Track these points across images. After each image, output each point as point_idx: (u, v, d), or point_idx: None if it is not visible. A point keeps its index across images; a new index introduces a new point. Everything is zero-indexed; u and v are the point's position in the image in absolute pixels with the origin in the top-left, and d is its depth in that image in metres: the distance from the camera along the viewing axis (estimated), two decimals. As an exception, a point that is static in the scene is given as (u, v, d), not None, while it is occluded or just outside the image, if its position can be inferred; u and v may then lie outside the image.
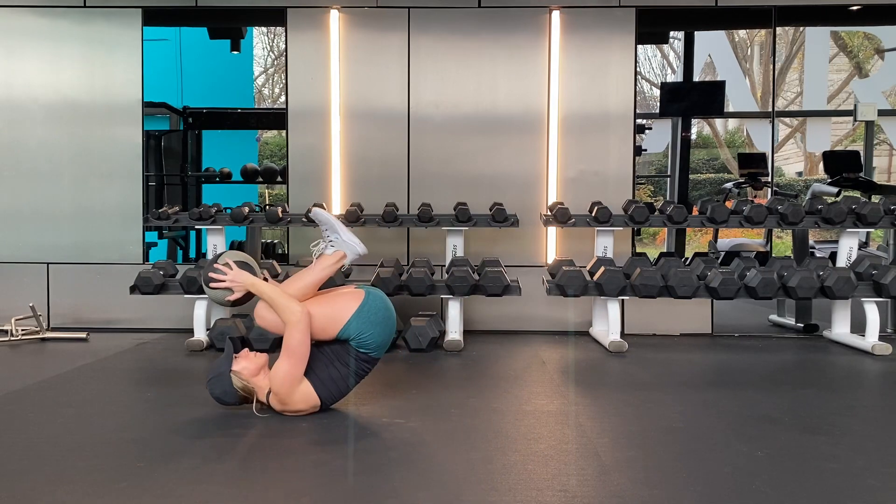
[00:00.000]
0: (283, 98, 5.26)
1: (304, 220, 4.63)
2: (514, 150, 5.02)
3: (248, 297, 2.80)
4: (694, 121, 10.57)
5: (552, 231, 5.00)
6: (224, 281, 2.76)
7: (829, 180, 6.30)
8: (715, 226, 4.64)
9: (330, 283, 3.04)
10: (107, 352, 4.17)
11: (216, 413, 2.87)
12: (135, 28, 5.03)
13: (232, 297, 2.78)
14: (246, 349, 2.80)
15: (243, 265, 2.83)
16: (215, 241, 4.73)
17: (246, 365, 2.71)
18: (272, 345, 4.10)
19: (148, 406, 3.04)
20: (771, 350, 4.33)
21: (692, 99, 6.99)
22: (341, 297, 2.79)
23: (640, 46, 5.18)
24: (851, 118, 10.36)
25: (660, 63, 14.25)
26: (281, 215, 4.70)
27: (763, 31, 10.85)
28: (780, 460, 2.29)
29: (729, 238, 7.46)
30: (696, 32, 7.15)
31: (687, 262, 5.01)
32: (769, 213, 4.56)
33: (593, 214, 4.59)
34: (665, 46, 12.77)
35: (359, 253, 2.93)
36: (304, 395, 2.68)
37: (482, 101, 5.03)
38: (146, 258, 5.14)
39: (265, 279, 2.83)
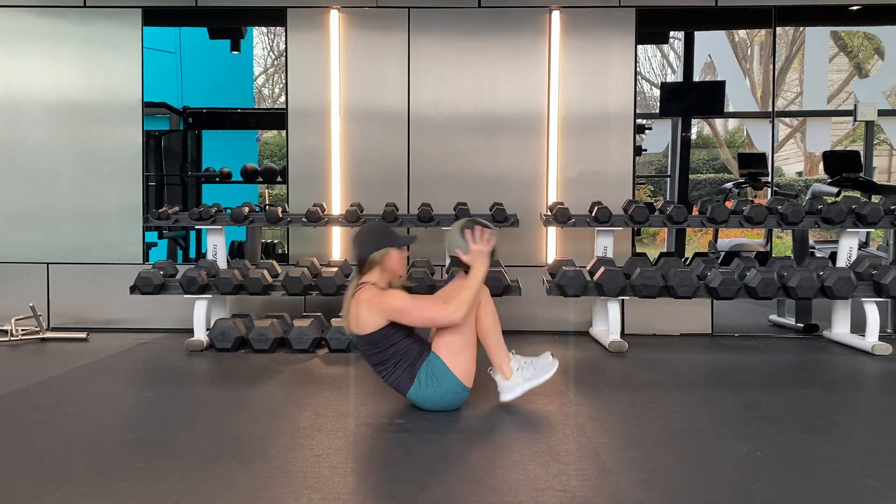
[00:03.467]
0: (283, 98, 5.26)
1: (303, 220, 4.64)
2: (514, 150, 5.02)
3: (459, 263, 2.88)
4: (694, 121, 10.58)
5: (552, 231, 5.00)
6: (486, 241, 2.81)
7: (829, 180, 6.30)
8: (715, 226, 4.64)
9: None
10: (107, 352, 4.17)
11: (216, 413, 2.87)
12: (135, 28, 5.03)
13: (467, 256, 2.82)
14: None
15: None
16: (215, 241, 4.73)
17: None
18: (271, 345, 4.10)
19: (148, 406, 3.04)
20: (771, 350, 4.33)
21: (692, 99, 6.99)
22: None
23: (640, 46, 5.17)
24: (851, 118, 10.37)
25: (660, 63, 14.26)
26: (281, 215, 4.70)
27: (763, 31, 10.86)
28: (780, 460, 2.29)
29: (729, 238, 7.46)
30: (696, 32, 7.16)
31: (687, 262, 5.01)
32: (769, 213, 4.56)
33: (593, 214, 4.59)
34: (665, 46, 12.78)
35: None
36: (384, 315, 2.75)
37: (482, 101, 5.03)
38: (146, 258, 5.14)
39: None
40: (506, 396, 2.90)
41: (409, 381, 2.79)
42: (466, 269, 2.88)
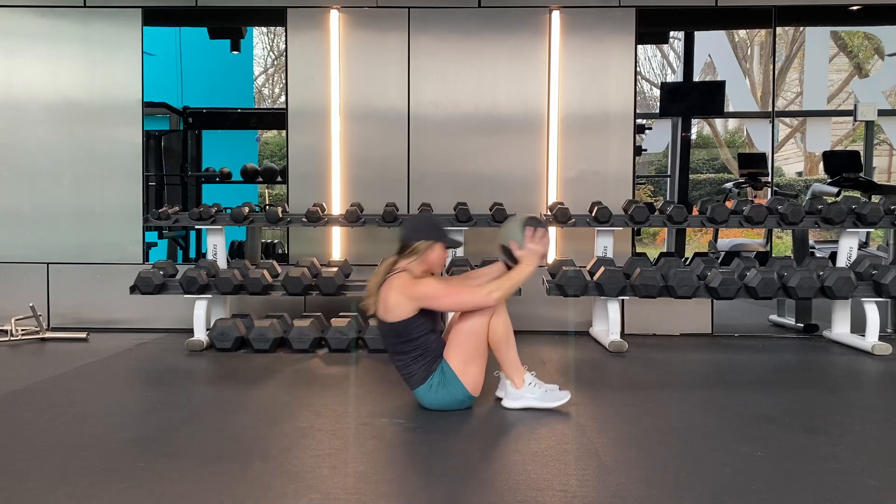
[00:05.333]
0: (283, 98, 5.26)
1: (303, 220, 4.64)
2: (514, 150, 5.02)
3: (508, 255, 2.87)
4: (694, 121, 10.58)
5: (552, 231, 5.00)
6: (544, 243, 2.83)
7: (829, 180, 6.30)
8: (715, 226, 4.64)
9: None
10: (107, 352, 4.17)
11: (216, 413, 2.87)
12: (135, 28, 5.03)
13: (520, 251, 2.81)
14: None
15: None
16: (215, 241, 4.73)
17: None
18: (271, 345, 4.10)
19: (148, 406, 3.04)
20: (771, 350, 4.33)
21: (692, 99, 6.98)
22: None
23: (640, 46, 5.17)
24: (851, 118, 10.36)
25: (660, 63, 14.25)
26: (281, 215, 4.70)
27: (763, 31, 10.86)
28: (780, 460, 2.29)
29: (729, 238, 7.46)
30: (696, 32, 7.15)
31: (687, 262, 5.01)
32: (769, 213, 4.56)
33: (593, 214, 4.59)
34: (665, 46, 12.77)
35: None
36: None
37: (482, 101, 5.03)
38: (146, 258, 5.14)
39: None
40: (509, 402, 2.89)
41: (422, 380, 2.80)
42: (509, 262, 2.89)
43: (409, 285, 2.75)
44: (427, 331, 2.80)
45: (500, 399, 2.95)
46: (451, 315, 2.79)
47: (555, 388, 2.96)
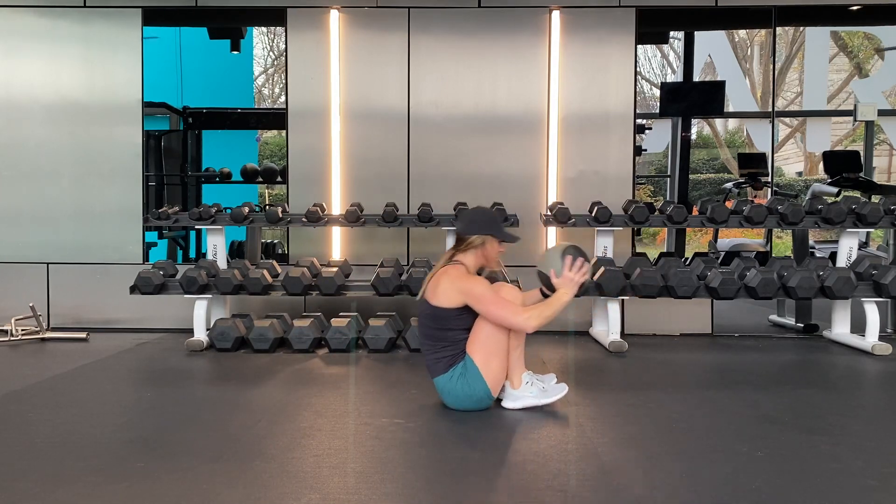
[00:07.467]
0: (283, 98, 5.26)
1: (303, 220, 4.64)
2: (514, 150, 5.02)
3: (546, 282, 2.93)
4: (694, 121, 10.58)
5: (552, 231, 5.00)
6: (582, 273, 2.85)
7: (829, 180, 6.30)
8: (715, 226, 4.63)
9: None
10: (107, 352, 4.17)
11: (216, 413, 2.88)
12: (135, 28, 5.04)
13: (557, 279, 2.85)
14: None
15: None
16: (215, 241, 4.73)
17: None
18: (271, 345, 4.10)
19: (148, 406, 3.04)
20: (771, 350, 4.33)
21: (692, 99, 6.99)
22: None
23: (640, 46, 5.17)
24: (851, 118, 10.37)
25: (660, 63, 14.25)
26: (281, 215, 4.70)
27: (763, 31, 10.87)
28: (780, 460, 2.29)
29: (729, 238, 7.46)
30: (696, 32, 7.16)
31: (687, 262, 5.01)
32: (769, 213, 4.56)
33: (593, 214, 4.58)
34: (665, 46, 12.77)
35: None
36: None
37: (482, 100, 5.03)
38: (146, 258, 5.14)
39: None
40: (508, 403, 2.91)
41: (444, 369, 2.83)
42: (546, 290, 2.95)
43: (461, 278, 2.81)
44: (464, 327, 2.85)
45: (500, 400, 2.96)
46: None
47: (552, 380, 2.98)
